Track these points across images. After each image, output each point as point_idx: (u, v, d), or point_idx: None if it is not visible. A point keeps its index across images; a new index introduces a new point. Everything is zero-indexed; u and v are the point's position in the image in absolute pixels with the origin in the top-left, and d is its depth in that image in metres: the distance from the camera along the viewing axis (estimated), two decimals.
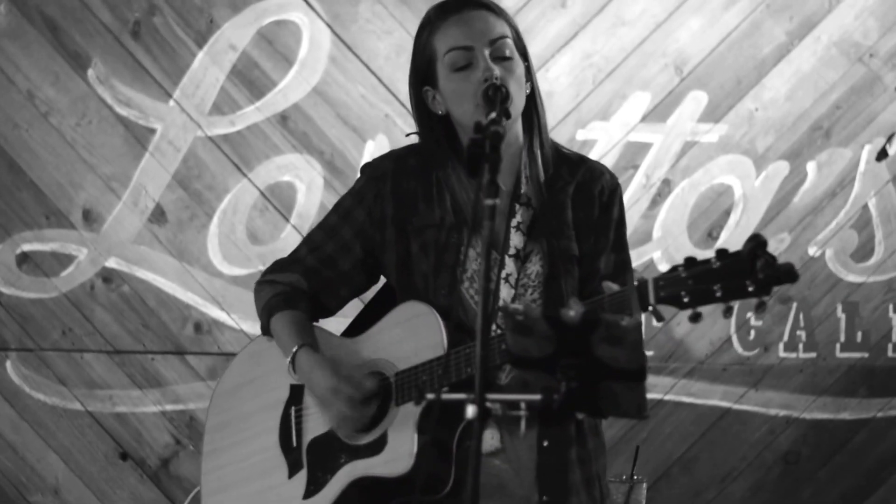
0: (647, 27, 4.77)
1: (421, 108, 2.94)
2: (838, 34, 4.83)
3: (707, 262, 2.45)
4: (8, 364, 4.72)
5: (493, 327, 2.82)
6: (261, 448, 3.04)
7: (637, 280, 2.54)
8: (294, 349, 2.95)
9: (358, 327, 3.03)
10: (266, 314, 3.02)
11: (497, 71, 2.81)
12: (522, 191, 2.92)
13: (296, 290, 3.02)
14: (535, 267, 2.90)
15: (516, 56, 2.87)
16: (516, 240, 2.90)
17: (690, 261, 2.47)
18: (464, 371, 2.76)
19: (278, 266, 3.07)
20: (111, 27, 4.68)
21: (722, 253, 2.43)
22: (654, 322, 4.85)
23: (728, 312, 2.45)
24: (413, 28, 4.70)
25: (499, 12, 2.90)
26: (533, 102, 2.93)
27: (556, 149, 2.98)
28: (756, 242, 2.39)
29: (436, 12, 2.92)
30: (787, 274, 2.38)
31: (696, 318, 2.46)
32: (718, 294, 2.43)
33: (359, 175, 3.06)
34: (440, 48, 2.88)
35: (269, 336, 3.04)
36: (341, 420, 2.89)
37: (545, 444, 2.88)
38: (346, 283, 3.03)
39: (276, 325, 3.00)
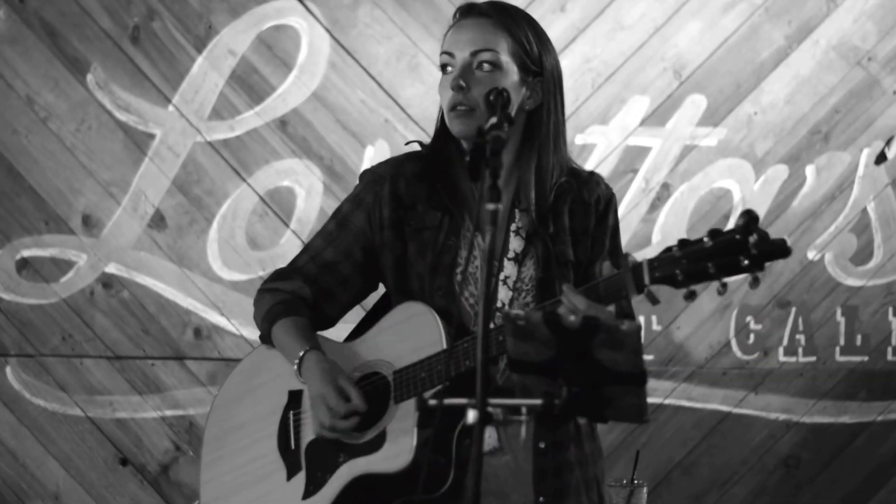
0: (647, 31, 4.78)
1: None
2: (837, 38, 4.83)
3: (700, 241, 2.47)
4: (8, 370, 4.72)
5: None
6: (259, 454, 3.04)
7: (631, 263, 2.56)
8: (301, 353, 2.94)
9: (358, 334, 3.04)
10: (268, 322, 3.02)
11: (460, 81, 2.85)
12: (521, 197, 2.95)
13: (298, 297, 3.02)
14: (529, 271, 2.93)
15: (504, 68, 2.88)
16: (515, 243, 2.93)
17: (683, 242, 2.49)
18: (463, 364, 2.77)
19: (278, 275, 3.08)
20: (110, 32, 4.68)
21: (715, 232, 2.45)
22: (654, 324, 4.87)
23: (723, 288, 2.46)
24: (412, 32, 4.77)
25: (500, 24, 2.91)
26: (538, 116, 2.94)
27: (569, 166, 3.01)
28: (749, 217, 2.40)
29: (455, 12, 2.99)
30: (780, 249, 2.40)
31: (690, 295, 2.48)
32: (712, 271, 2.45)
33: (358, 181, 3.07)
34: (442, 47, 2.95)
35: (269, 344, 3.04)
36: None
37: (541, 445, 2.89)
38: (346, 288, 3.04)
39: (279, 331, 3.00)
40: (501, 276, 2.91)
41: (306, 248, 3.08)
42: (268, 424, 3.04)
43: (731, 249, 2.42)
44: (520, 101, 2.90)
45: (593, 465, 3.00)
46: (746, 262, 2.41)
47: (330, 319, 3.08)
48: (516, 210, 2.94)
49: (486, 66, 2.87)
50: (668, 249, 2.51)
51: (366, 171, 3.07)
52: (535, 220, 2.93)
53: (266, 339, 3.04)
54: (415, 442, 2.81)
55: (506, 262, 2.92)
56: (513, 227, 2.94)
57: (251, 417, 3.07)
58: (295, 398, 3.01)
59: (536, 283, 2.92)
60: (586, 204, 2.98)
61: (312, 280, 3.03)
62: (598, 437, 3.05)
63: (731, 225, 4.74)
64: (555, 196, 2.95)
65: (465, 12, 2.95)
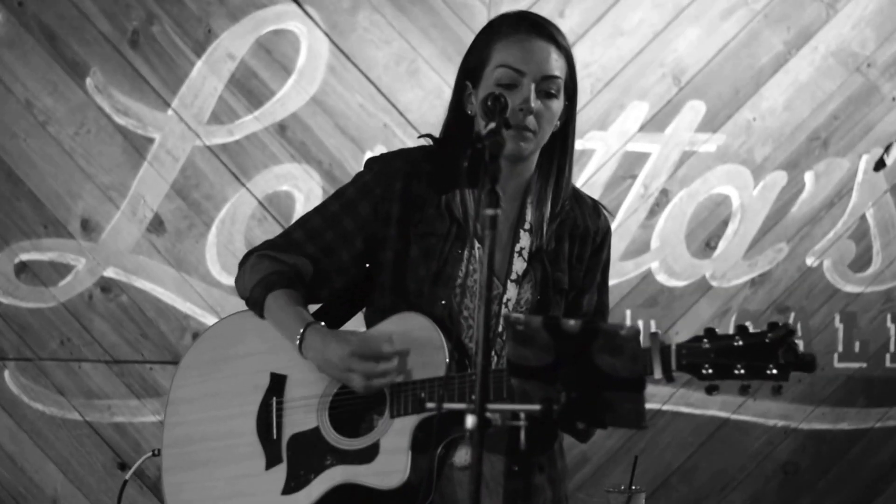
0: (646, 37, 4.78)
1: (456, 99, 2.97)
2: (836, 44, 4.83)
3: (731, 337, 2.49)
4: (6, 374, 4.71)
5: (495, 358, 2.86)
6: (235, 432, 3.00)
7: (660, 344, 2.56)
8: (302, 329, 2.89)
9: (326, 320, 3.01)
10: (263, 288, 2.95)
11: (536, 105, 2.85)
12: (527, 218, 2.95)
13: (299, 273, 2.97)
14: (526, 293, 2.94)
15: (560, 96, 2.91)
16: (518, 265, 2.94)
17: (711, 333, 2.50)
18: (467, 397, 2.76)
19: (278, 246, 3.01)
20: (109, 36, 4.68)
21: (743, 331, 2.46)
22: (653, 330, 4.86)
23: (744, 391, 2.49)
24: (411, 37, 4.77)
25: (562, 50, 2.93)
26: (562, 140, 2.96)
27: (573, 189, 3.03)
28: (786, 331, 2.43)
29: (507, 22, 2.95)
30: (809, 364, 2.44)
31: (712, 390, 2.49)
32: (740, 372, 2.46)
33: (364, 168, 3.03)
34: (495, 58, 2.90)
35: (254, 310, 2.98)
36: (366, 383, 2.83)
37: (514, 468, 2.89)
38: (341, 274, 3.00)
39: (275, 302, 2.94)
40: (504, 299, 2.92)
41: (302, 224, 3.03)
42: (246, 402, 2.99)
43: (760, 355, 2.44)
44: (553, 126, 2.92)
45: (562, 484, 3.03)
46: (774, 371, 2.43)
47: (318, 301, 3.04)
48: (520, 231, 2.95)
49: (550, 91, 2.89)
50: (698, 339, 2.51)
51: (375, 160, 3.03)
52: (543, 240, 2.94)
53: (255, 304, 2.99)
54: (409, 463, 2.81)
55: (509, 284, 2.93)
56: (517, 247, 2.94)
57: (227, 389, 3.02)
58: (277, 383, 2.97)
59: (532, 305, 2.93)
60: (586, 233, 3.00)
61: (313, 260, 2.98)
62: (565, 456, 3.08)
63: (730, 230, 4.81)
64: (557, 221, 2.96)
65: (529, 28, 2.92)
